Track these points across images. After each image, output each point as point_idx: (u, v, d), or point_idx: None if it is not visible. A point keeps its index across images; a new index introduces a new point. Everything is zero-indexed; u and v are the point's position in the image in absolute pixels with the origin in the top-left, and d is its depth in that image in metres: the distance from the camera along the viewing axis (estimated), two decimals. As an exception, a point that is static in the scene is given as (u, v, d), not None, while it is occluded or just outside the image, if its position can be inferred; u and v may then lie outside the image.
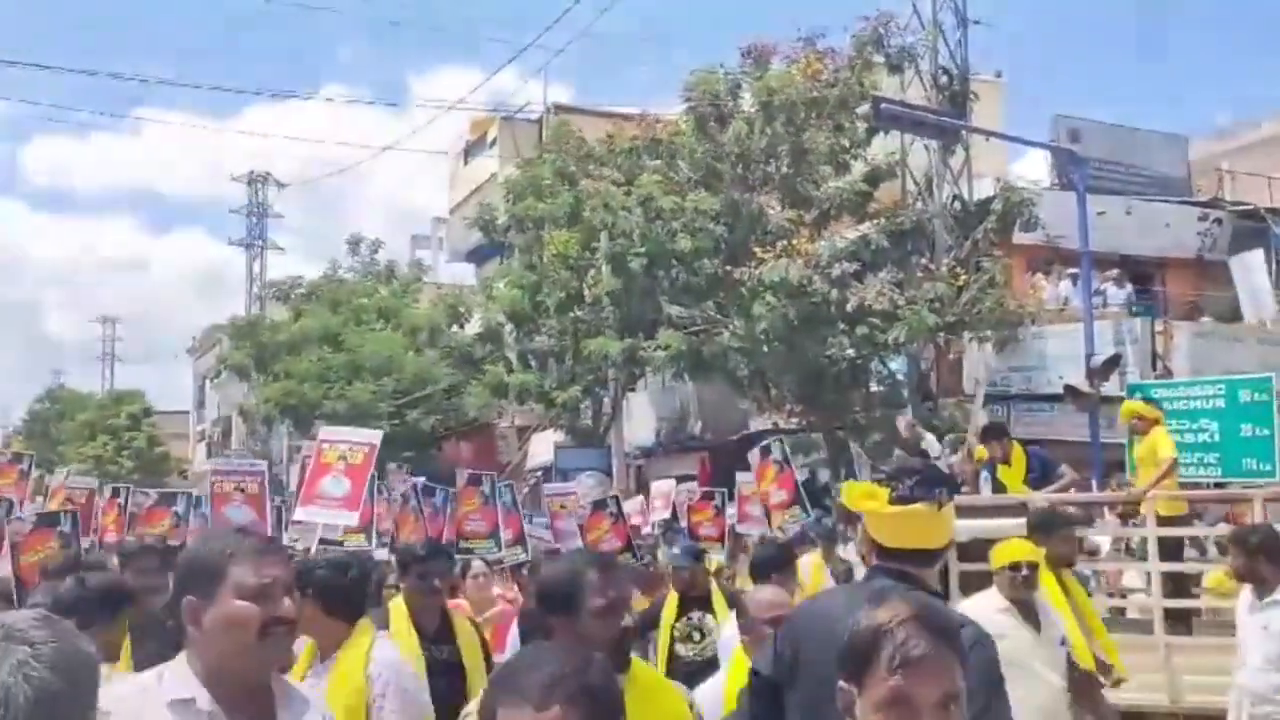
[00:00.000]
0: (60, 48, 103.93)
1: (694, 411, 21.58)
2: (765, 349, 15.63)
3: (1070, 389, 14.71)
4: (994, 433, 9.67)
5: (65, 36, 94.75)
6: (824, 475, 16.71)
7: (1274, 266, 18.55)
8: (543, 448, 23.36)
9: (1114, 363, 14.26)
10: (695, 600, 6.42)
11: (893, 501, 2.63)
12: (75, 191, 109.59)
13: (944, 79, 16.43)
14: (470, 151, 31.54)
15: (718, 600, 6.45)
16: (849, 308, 14.94)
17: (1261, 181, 20.66)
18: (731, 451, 20.71)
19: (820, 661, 2.45)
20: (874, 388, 16.98)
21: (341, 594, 3.77)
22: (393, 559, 6.84)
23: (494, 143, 29.37)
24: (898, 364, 16.98)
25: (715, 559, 9.13)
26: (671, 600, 6.47)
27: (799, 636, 2.67)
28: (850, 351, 15.68)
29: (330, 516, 6.47)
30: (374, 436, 6.97)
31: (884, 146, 16.70)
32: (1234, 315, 17.91)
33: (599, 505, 9.13)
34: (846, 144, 16.23)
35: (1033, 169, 21.46)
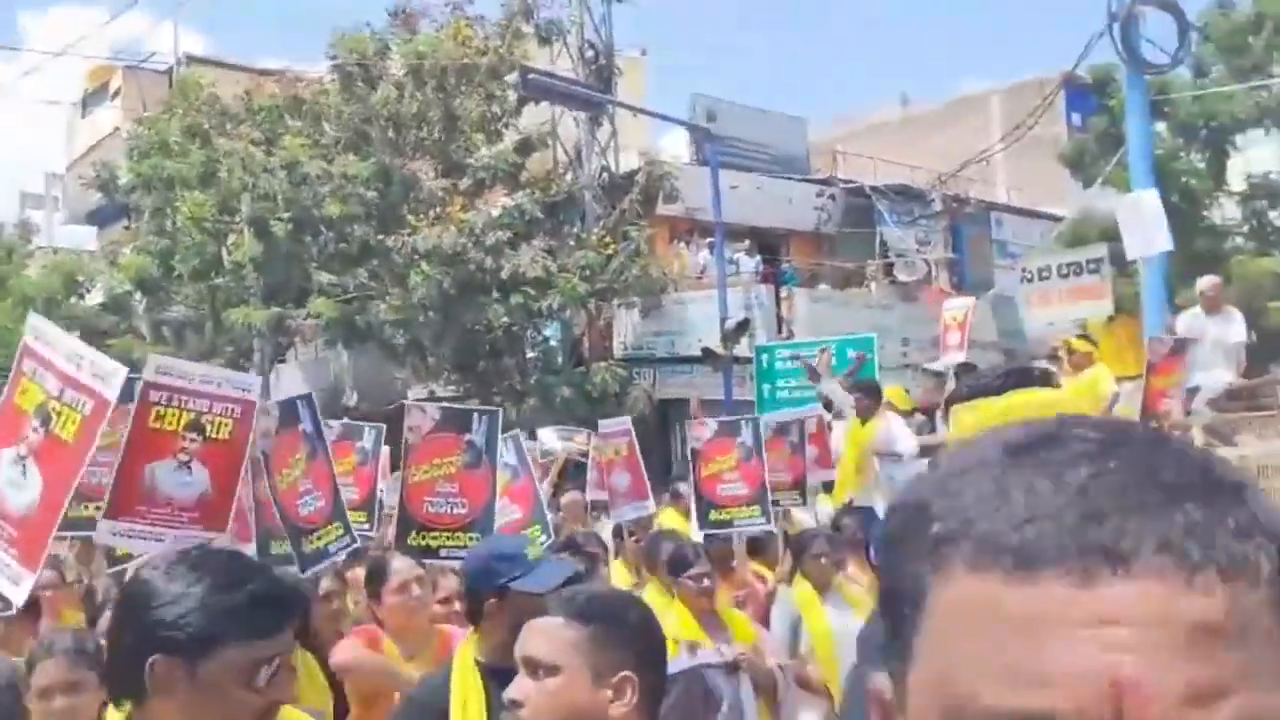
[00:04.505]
0: None
1: (349, 382, 20.96)
2: (421, 318, 15.48)
3: (707, 351, 15.84)
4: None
5: None
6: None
7: (878, 241, 20.96)
8: (182, 425, 21.73)
9: (744, 326, 15.52)
10: None
11: None
12: None
13: (590, 53, 16.96)
14: (89, 102, 28.40)
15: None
16: (504, 276, 15.13)
17: (868, 163, 23.20)
18: (389, 420, 20.41)
19: None
20: (529, 354, 17.35)
21: None
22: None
23: (117, 94, 26.62)
24: (551, 330, 17.46)
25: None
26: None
27: None
28: (505, 319, 15.91)
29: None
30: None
31: (535, 117, 16.99)
32: (846, 282, 20.03)
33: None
34: (498, 112, 16.34)
35: (675, 144, 22.74)
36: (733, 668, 4.19)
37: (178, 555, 1.67)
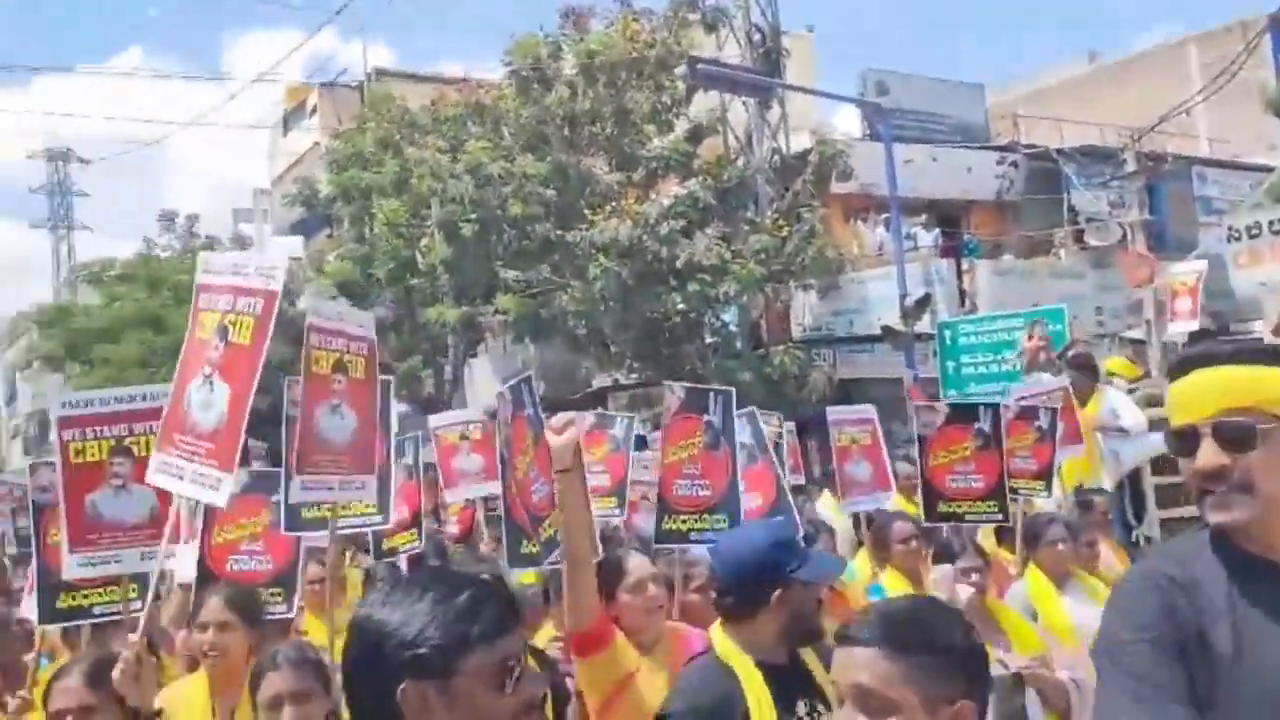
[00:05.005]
0: None
1: (536, 373, 21.77)
2: (602, 309, 15.94)
3: (887, 329, 15.65)
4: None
5: None
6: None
7: (1066, 207, 20.05)
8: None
9: (925, 302, 15.25)
10: None
11: None
12: None
13: (757, 36, 16.95)
14: (289, 120, 30.48)
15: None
16: (679, 265, 15.38)
17: (1053, 125, 22.20)
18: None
19: None
20: (708, 339, 17.57)
21: None
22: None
23: (314, 111, 28.49)
24: (730, 315, 17.62)
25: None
26: None
27: None
28: (683, 306, 16.16)
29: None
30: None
31: (705, 104, 17.14)
32: (1032, 252, 19.30)
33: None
34: (668, 102, 16.58)
35: (848, 119, 22.43)
36: (1017, 681, 3.55)
37: (387, 586, 1.65)
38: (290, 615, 4.18)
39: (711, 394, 4.43)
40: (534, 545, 3.42)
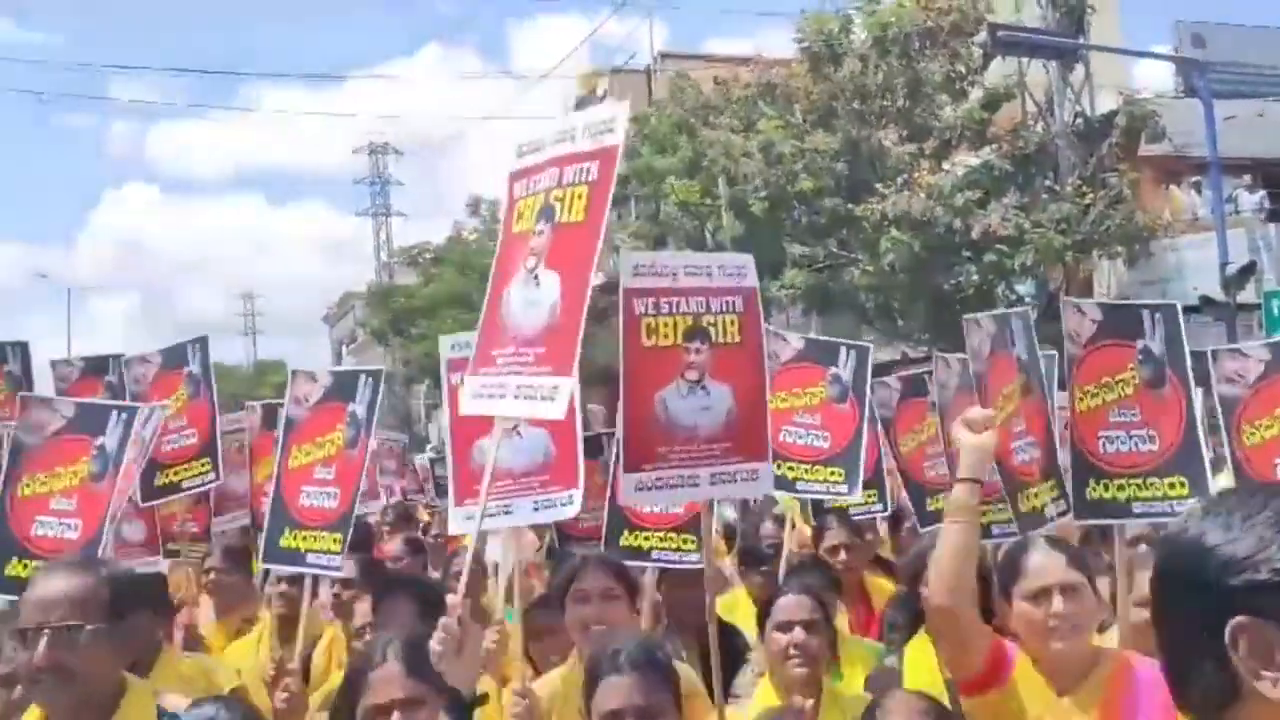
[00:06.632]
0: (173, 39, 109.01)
1: (820, 346, 21.99)
2: (893, 281, 15.93)
3: (1205, 299, 14.69)
4: None
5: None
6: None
7: None
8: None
9: (1249, 270, 14.20)
10: None
11: None
12: (201, 175, 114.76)
13: (1059, -5, 16.23)
14: (581, 106, 32.15)
15: None
16: (974, 236, 15.10)
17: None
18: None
19: None
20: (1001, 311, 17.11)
21: None
22: None
23: (603, 96, 29.90)
24: (1025, 287, 17.06)
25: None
26: None
27: None
28: (976, 278, 15.85)
29: None
30: None
31: (1001, 69, 16.63)
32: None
33: None
34: (963, 70, 16.24)
35: (1157, 76, 20.96)
36: None
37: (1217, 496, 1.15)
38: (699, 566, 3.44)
39: (1146, 313, 3.31)
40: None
